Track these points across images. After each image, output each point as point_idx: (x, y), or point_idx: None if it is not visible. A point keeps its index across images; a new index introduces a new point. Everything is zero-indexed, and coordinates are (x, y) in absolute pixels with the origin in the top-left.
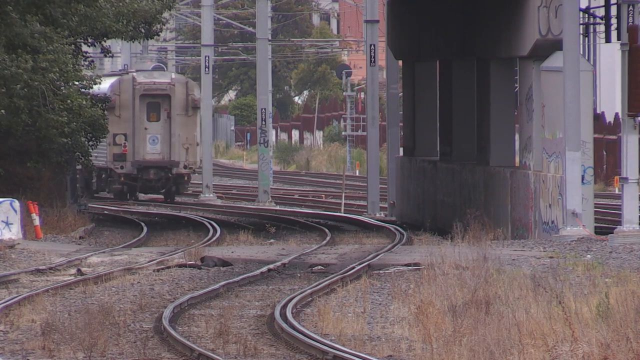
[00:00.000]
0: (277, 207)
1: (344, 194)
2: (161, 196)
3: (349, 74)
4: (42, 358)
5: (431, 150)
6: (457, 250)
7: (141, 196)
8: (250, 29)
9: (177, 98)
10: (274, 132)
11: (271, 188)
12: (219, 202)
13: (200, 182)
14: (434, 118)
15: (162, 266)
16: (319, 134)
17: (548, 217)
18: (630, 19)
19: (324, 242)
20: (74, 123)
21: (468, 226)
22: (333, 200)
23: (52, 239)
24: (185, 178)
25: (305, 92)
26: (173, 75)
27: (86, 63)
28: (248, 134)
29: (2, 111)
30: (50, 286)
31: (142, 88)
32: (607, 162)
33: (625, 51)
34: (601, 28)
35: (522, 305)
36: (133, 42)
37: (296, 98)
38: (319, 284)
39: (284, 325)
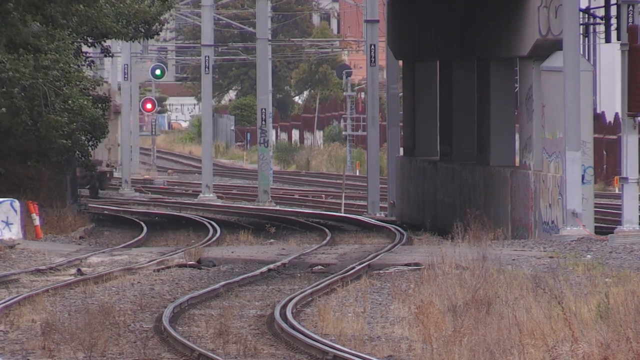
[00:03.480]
0: (277, 207)
1: (344, 194)
2: (162, 196)
3: (349, 74)
4: (42, 358)
5: (431, 150)
6: (457, 250)
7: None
8: (250, 29)
9: None
10: (274, 132)
11: (271, 188)
12: (219, 202)
13: (200, 181)
14: (434, 118)
15: (162, 266)
16: (319, 134)
17: (548, 217)
18: (630, 19)
19: (324, 242)
20: (74, 123)
21: (468, 226)
22: (333, 200)
23: (52, 239)
24: (108, 175)
25: (306, 92)
26: None
27: (86, 63)
28: (248, 134)
29: (3, 109)
30: (50, 286)
31: None
32: (607, 162)
33: (625, 51)
34: (601, 28)
35: (522, 305)
36: (133, 42)
37: (296, 98)
38: (319, 284)
39: (284, 325)
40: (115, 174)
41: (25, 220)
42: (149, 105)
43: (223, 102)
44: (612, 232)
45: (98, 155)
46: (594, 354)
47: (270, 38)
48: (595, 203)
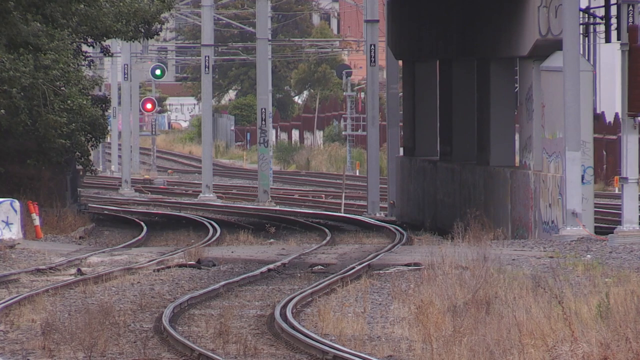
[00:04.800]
0: (277, 207)
1: (344, 194)
2: (162, 196)
3: (349, 74)
4: (42, 358)
5: (431, 150)
6: (457, 250)
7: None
8: (250, 29)
9: None
10: (274, 132)
11: (271, 188)
12: (219, 202)
13: (200, 181)
14: (434, 118)
15: (162, 266)
16: (319, 134)
17: (548, 217)
18: (630, 19)
19: (324, 242)
20: (74, 124)
21: (468, 226)
22: (333, 200)
23: (52, 239)
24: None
25: (305, 92)
26: None
27: (86, 62)
28: (248, 134)
29: (2, 111)
30: (50, 286)
31: None
32: (607, 162)
33: (625, 51)
34: (601, 28)
35: (522, 305)
36: (133, 42)
37: (296, 98)
38: (319, 284)
39: (284, 325)
40: (116, 174)
41: (25, 220)
42: (149, 105)
43: (223, 102)
44: (612, 232)
45: None
46: (593, 354)
47: (270, 38)
48: (595, 203)
